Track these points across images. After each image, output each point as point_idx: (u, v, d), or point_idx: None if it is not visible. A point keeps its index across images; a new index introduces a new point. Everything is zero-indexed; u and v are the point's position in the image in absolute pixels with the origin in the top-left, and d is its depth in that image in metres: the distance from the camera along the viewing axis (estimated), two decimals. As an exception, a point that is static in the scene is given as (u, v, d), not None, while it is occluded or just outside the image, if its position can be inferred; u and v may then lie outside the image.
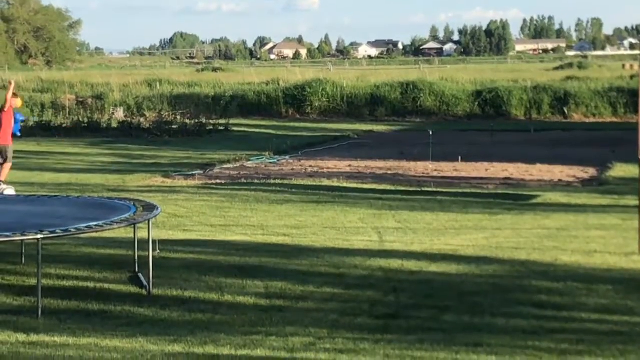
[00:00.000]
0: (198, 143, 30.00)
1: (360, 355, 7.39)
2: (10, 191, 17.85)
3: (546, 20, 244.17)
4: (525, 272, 10.43)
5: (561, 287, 9.64)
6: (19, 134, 19.86)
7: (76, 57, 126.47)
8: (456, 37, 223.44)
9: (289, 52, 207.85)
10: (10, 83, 18.93)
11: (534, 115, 38.83)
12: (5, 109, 18.43)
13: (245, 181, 19.93)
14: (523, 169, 21.64)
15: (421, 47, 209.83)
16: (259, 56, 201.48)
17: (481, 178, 20.11)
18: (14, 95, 18.81)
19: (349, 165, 22.84)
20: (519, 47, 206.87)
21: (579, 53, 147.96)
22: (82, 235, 10.81)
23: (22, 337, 8.08)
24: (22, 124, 20.87)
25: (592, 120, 38.17)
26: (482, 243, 12.38)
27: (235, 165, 23.42)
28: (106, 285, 10.11)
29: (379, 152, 25.76)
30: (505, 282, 9.94)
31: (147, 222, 10.14)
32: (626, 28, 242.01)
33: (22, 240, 9.99)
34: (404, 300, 9.26)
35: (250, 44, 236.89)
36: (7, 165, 18.46)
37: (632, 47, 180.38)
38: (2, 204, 11.72)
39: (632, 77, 44.12)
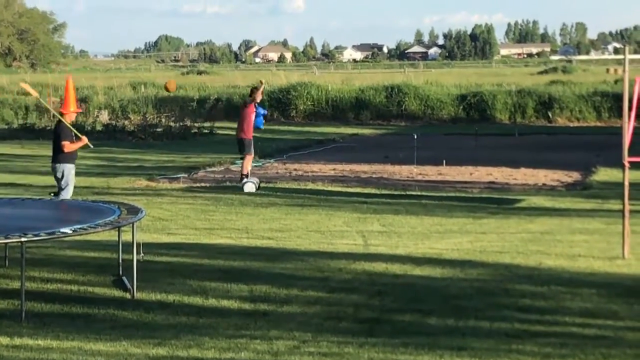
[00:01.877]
0: (183, 146, 29.94)
1: (345, 359, 7.40)
2: (250, 187, 18.44)
3: (531, 25, 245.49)
4: (509, 276, 10.46)
5: (545, 291, 9.67)
6: (261, 127, 20.66)
7: (60, 59, 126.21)
8: (441, 41, 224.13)
9: (274, 56, 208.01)
10: (261, 82, 20.00)
11: (519, 119, 38.87)
12: (248, 105, 19.40)
13: (229, 184, 19.91)
14: (507, 172, 21.68)
15: (406, 51, 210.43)
16: (243, 59, 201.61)
17: (465, 182, 20.14)
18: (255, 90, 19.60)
19: (334, 169, 22.84)
20: (503, 51, 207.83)
21: (563, 57, 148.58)
22: (66, 239, 10.75)
23: (5, 340, 8.04)
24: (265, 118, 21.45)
25: (576, 124, 38.24)
26: (467, 247, 12.41)
27: (220, 169, 23.40)
28: (90, 289, 10.09)
29: (363, 156, 25.76)
30: (489, 286, 9.96)
31: (131, 225, 10.13)
32: (610, 33, 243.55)
33: (5, 244, 9.95)
34: (388, 303, 9.27)
35: (235, 47, 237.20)
36: (249, 158, 19.24)
37: (616, 51, 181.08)
38: (-15, 206, 11.66)
39: (616, 81, 44.26)
